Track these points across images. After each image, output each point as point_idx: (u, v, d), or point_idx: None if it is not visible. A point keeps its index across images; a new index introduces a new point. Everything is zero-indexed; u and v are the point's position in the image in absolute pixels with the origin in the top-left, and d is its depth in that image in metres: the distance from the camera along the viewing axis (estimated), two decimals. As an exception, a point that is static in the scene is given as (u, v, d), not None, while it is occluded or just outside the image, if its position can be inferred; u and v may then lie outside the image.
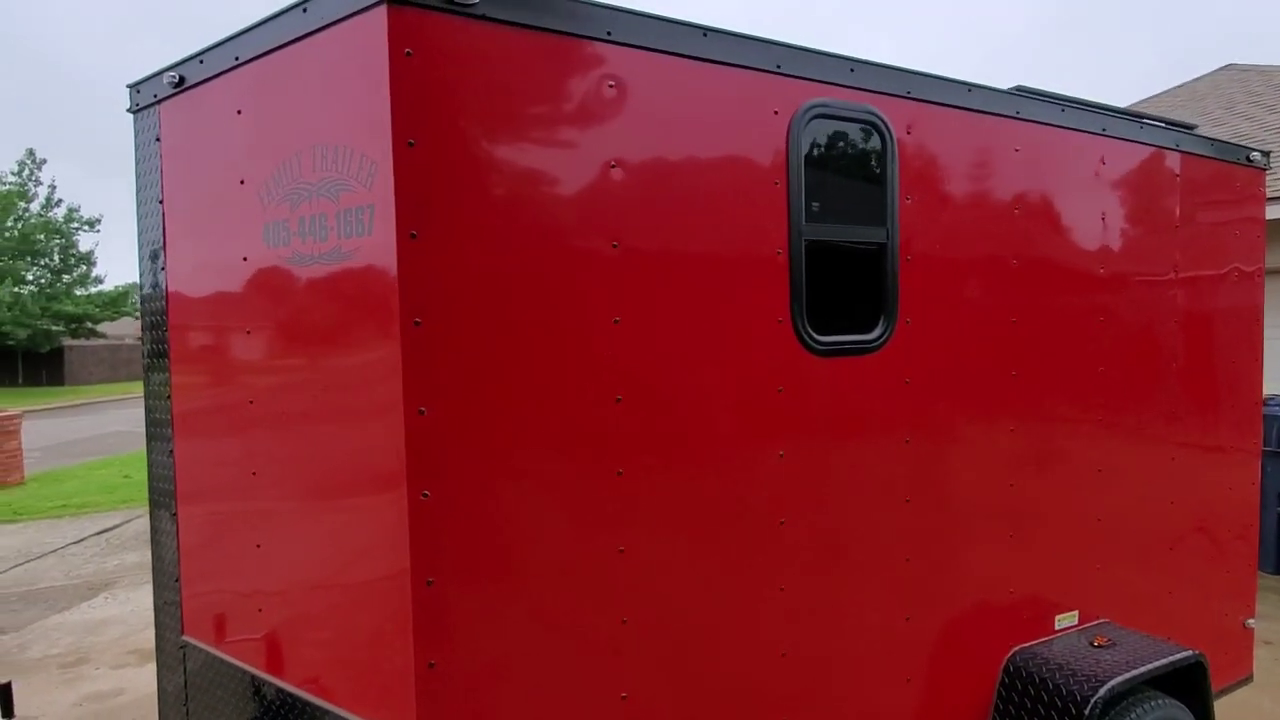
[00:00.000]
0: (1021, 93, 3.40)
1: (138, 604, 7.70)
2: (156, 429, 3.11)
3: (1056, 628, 3.55)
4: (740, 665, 2.69)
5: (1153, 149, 3.87)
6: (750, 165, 2.66)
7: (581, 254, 2.34)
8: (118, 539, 10.31)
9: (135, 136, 3.08)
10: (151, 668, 3.51)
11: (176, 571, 3.05)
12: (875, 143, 2.92)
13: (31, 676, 6.11)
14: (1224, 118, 11.63)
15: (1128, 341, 3.80)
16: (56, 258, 38.07)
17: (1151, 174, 3.90)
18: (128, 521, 11.10)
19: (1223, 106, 12.33)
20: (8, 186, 36.50)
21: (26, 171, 37.43)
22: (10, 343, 35.22)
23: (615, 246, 2.37)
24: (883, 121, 2.91)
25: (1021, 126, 3.33)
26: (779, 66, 2.67)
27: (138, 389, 5.01)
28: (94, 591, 8.21)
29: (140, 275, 3.16)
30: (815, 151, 2.80)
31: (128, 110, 3.09)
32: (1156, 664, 3.35)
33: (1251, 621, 4.43)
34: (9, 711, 3.20)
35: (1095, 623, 3.67)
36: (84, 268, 38.85)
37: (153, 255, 3.06)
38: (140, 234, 3.10)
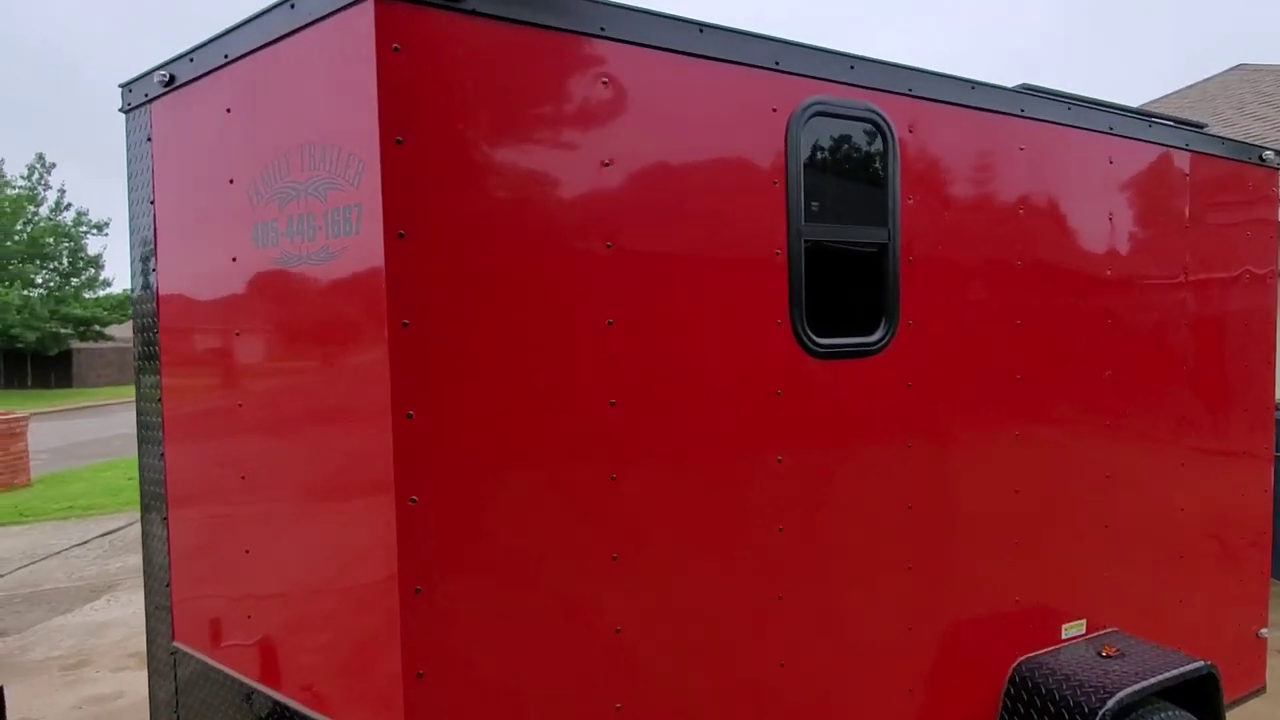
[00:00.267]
0: (1026, 91, 3.34)
1: (139, 606, 7.59)
2: (147, 432, 3.08)
3: (1064, 637, 3.48)
4: (737, 676, 2.63)
5: (1162, 148, 3.80)
6: (748, 164, 2.61)
7: (575, 254, 2.29)
8: (121, 541, 10.33)
9: (127, 136, 3.05)
10: (149, 671, 3.48)
11: (167, 576, 3.01)
12: (876, 141, 2.87)
13: (32, 678, 6.13)
14: (1235, 118, 11.54)
15: (1136, 345, 3.73)
16: (65, 261, 38.35)
17: (1161, 174, 3.83)
18: (131, 524, 11.09)
19: (1234, 107, 12.24)
20: (17, 190, 36.75)
21: (36, 175, 37.73)
22: (19, 345, 35.46)
23: (609, 247, 2.32)
24: (884, 119, 2.85)
25: (1026, 125, 3.27)
26: (777, 63, 2.61)
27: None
28: (96, 594, 8.23)
29: (132, 277, 3.13)
30: (815, 150, 2.74)
31: (120, 110, 3.06)
32: (1167, 675, 3.27)
33: (1265, 631, 4.35)
34: (2, 715, 3.18)
35: (1104, 632, 3.60)
36: (92, 271, 39.16)
37: (144, 257, 3.02)
38: (132, 235, 3.07)
